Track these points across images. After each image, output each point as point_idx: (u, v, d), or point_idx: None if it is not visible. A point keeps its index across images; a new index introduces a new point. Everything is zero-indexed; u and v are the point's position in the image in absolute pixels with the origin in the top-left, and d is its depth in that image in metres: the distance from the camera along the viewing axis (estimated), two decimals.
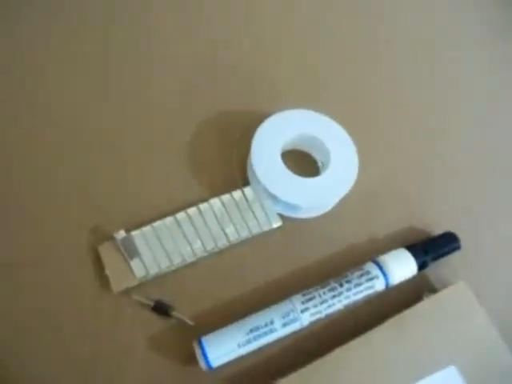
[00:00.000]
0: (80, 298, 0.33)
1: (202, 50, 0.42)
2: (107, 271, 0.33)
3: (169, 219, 0.35)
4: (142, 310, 0.33)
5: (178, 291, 0.34)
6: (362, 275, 0.33)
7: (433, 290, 0.35)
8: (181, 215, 0.35)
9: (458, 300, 0.33)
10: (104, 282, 0.33)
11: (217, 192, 0.36)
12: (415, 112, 0.42)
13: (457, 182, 0.40)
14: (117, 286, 0.33)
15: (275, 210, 0.36)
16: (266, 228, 0.36)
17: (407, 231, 0.37)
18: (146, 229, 0.34)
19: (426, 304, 0.33)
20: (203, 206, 0.36)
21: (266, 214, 0.36)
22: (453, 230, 0.36)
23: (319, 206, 0.36)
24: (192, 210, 0.35)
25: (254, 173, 0.35)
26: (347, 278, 0.33)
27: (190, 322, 0.33)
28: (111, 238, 0.33)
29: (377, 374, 0.31)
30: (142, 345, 0.32)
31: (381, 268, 0.33)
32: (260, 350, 0.31)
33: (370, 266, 0.33)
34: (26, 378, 0.31)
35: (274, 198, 0.35)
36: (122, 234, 0.33)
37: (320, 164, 0.38)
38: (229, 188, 0.36)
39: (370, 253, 0.35)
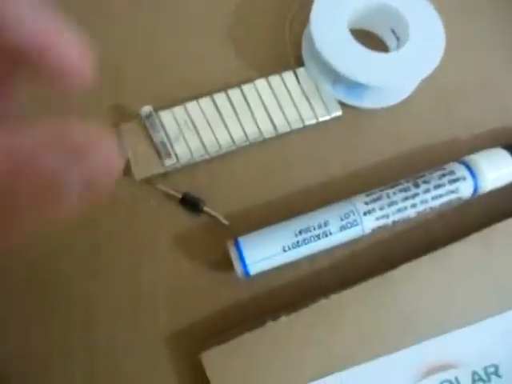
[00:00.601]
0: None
1: None
2: (129, 154, 0.27)
3: (204, 100, 0.28)
4: (168, 203, 0.27)
5: (212, 185, 0.28)
6: (443, 175, 0.26)
7: None
8: (219, 96, 0.29)
9: None
10: (125, 167, 0.27)
11: (264, 72, 0.29)
12: None
13: None
14: (140, 171, 0.27)
15: (335, 96, 0.29)
16: (322, 118, 0.29)
17: (500, 132, 0.29)
18: (177, 109, 0.28)
19: None
20: (246, 86, 0.29)
21: (323, 100, 0.29)
22: None
23: (392, 90, 0.29)
24: (233, 91, 0.29)
25: (311, 44, 0.28)
26: (424, 178, 0.26)
27: (225, 221, 0.27)
28: (136, 117, 0.28)
29: (453, 297, 0.25)
30: (166, 243, 0.27)
31: (470, 169, 0.26)
32: (309, 259, 0.25)
33: (455, 166, 0.26)
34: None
35: (335, 77, 0.28)
36: (148, 109, 0.27)
37: (394, 44, 0.30)
38: (279, 68, 0.29)
39: (453, 156, 0.28)
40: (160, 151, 0.27)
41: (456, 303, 0.25)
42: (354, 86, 0.27)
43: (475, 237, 0.25)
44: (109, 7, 0.31)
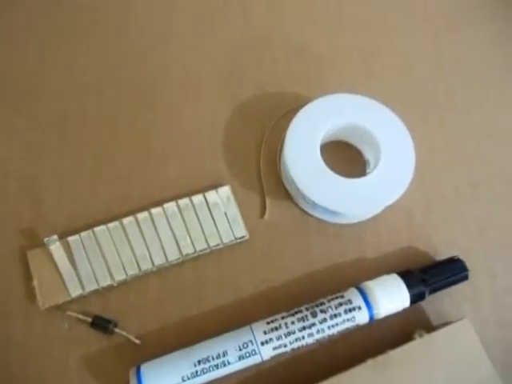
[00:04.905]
0: (6, 307, 0.28)
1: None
2: (35, 282, 0.28)
3: (112, 224, 0.29)
4: (80, 325, 0.28)
5: (125, 305, 0.29)
6: (340, 304, 0.27)
7: (428, 326, 0.29)
8: (128, 220, 0.29)
9: (456, 342, 0.27)
10: (31, 295, 0.28)
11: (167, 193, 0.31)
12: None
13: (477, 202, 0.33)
14: (44, 300, 0.28)
15: (315, 215, 0.31)
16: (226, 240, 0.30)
17: (406, 253, 0.31)
18: (85, 234, 0.29)
19: (417, 344, 0.27)
20: (155, 210, 0.30)
21: (230, 224, 0.30)
22: (462, 256, 0.30)
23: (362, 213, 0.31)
24: (142, 215, 0.30)
25: (286, 171, 0.30)
26: (322, 307, 0.27)
27: (136, 340, 0.28)
28: (43, 244, 0.28)
29: None
30: (77, 365, 0.27)
31: (365, 297, 0.27)
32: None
33: (353, 294, 0.28)
34: None
35: (312, 203, 0.29)
36: (54, 238, 0.28)
37: (369, 154, 0.32)
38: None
39: (357, 277, 0.29)
40: (65, 281, 0.28)
41: None
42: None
43: (370, 362, 0.27)
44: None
